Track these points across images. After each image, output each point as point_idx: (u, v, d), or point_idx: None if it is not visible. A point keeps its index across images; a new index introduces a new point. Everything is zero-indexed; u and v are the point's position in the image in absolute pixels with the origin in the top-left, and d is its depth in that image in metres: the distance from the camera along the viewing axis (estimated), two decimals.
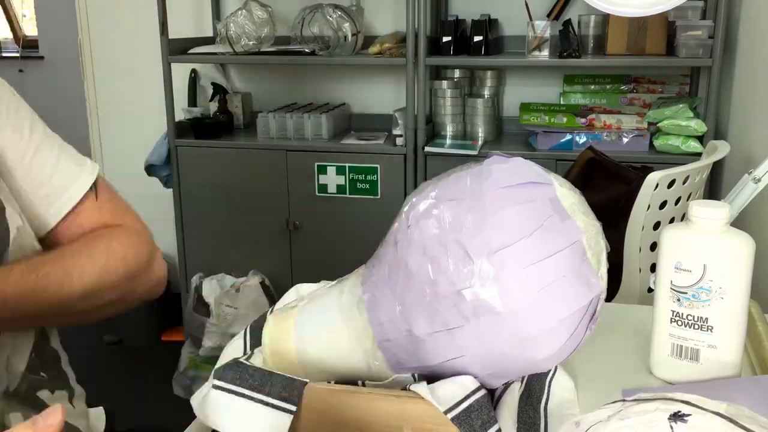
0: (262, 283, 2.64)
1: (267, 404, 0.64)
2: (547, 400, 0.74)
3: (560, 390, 0.75)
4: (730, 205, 0.88)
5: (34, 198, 0.86)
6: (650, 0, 1.08)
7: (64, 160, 0.89)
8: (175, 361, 2.73)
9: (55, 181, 0.87)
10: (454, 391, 0.64)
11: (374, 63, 2.65)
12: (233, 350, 0.82)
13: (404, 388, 0.66)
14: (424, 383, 0.65)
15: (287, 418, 0.64)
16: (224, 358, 0.78)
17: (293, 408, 0.64)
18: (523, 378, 0.74)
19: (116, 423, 1.03)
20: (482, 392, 0.65)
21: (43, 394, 0.84)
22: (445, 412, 0.62)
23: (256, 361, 0.74)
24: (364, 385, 0.70)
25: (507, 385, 0.71)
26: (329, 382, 0.71)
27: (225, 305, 2.58)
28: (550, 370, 0.77)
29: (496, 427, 0.63)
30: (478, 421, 0.62)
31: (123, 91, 3.10)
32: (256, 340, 0.81)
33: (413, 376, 0.69)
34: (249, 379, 0.66)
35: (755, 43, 2.11)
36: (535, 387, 0.74)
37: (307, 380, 0.67)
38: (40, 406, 0.81)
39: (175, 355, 2.75)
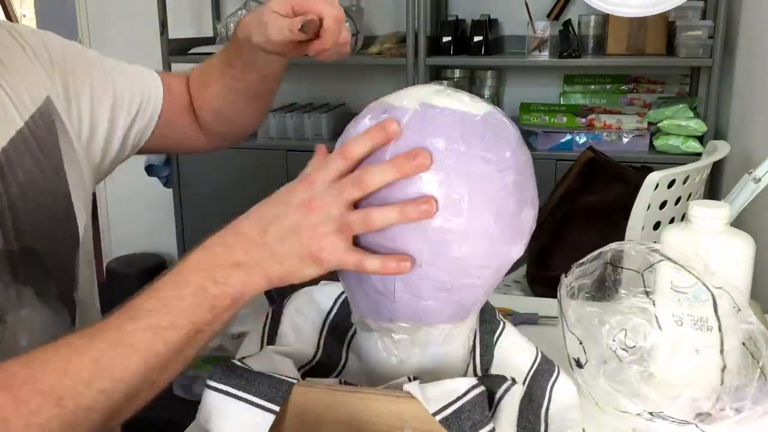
0: None
1: (251, 403, 0.64)
2: (548, 405, 0.73)
3: (562, 395, 0.74)
4: (730, 205, 0.88)
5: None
6: (650, 0, 1.08)
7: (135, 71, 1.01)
8: None
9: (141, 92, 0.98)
10: (447, 391, 0.63)
11: (374, 63, 2.65)
12: (251, 345, 0.81)
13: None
14: (417, 383, 0.64)
15: (269, 419, 0.64)
16: (242, 353, 0.78)
17: (276, 408, 0.64)
18: (524, 381, 0.73)
19: None
20: (478, 390, 0.63)
21: None
22: (435, 414, 0.61)
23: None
24: (348, 384, 0.70)
25: (507, 389, 0.70)
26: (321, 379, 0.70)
27: None
28: (552, 375, 0.76)
29: (489, 428, 0.61)
30: (469, 422, 0.61)
31: None
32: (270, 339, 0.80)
33: (408, 377, 0.69)
34: (237, 378, 0.66)
35: (755, 43, 2.11)
36: (536, 392, 0.73)
37: (297, 380, 0.66)
38: None
39: None
